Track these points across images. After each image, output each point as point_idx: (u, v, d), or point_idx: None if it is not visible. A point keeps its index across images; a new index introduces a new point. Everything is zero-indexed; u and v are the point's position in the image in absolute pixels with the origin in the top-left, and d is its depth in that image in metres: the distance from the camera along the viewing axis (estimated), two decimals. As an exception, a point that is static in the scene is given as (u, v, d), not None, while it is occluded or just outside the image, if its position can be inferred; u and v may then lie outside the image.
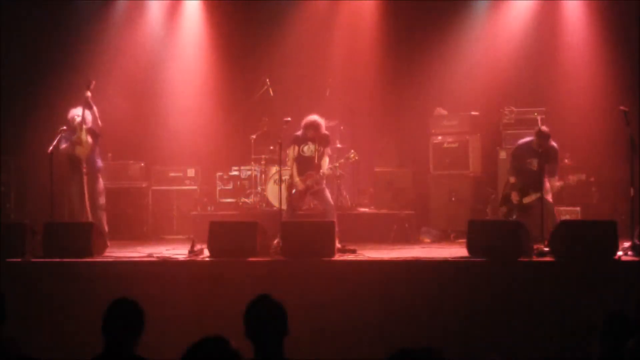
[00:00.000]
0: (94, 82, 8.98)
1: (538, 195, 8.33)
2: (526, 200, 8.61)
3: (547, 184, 8.49)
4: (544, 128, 8.60)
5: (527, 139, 8.87)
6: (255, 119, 10.83)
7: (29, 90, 11.01)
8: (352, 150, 9.23)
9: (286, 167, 8.96)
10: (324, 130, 8.99)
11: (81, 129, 8.88)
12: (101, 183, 9.27)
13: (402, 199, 10.43)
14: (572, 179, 8.92)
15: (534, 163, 8.60)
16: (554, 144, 8.63)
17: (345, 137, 10.64)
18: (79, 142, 8.90)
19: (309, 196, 9.12)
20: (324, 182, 8.99)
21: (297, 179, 8.87)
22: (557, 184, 8.58)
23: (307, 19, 11.33)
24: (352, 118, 11.01)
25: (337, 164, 9.33)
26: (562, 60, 10.66)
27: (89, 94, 8.89)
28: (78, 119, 8.90)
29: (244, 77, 11.31)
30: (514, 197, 8.74)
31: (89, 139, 8.95)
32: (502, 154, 10.07)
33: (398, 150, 11.17)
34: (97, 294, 6.91)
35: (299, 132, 9.05)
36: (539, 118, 9.16)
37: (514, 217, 8.65)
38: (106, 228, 9.17)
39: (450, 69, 10.77)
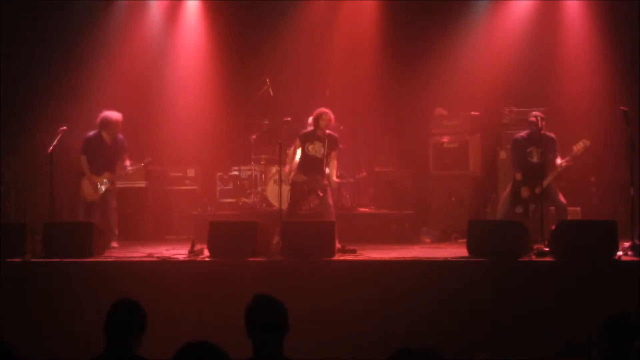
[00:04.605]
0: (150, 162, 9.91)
1: (545, 183, 8.33)
2: (538, 189, 8.45)
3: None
4: (534, 114, 8.72)
5: (522, 132, 8.98)
6: (255, 119, 10.83)
7: (29, 90, 11.00)
8: (364, 172, 9.15)
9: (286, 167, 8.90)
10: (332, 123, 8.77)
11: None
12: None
13: (402, 199, 10.43)
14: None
15: (534, 153, 8.66)
16: (550, 134, 8.69)
17: (345, 137, 10.62)
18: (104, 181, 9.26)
19: (311, 196, 9.09)
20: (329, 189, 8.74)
21: (299, 176, 8.76)
22: (562, 162, 8.46)
23: (307, 19, 11.33)
24: (352, 118, 11.00)
25: (345, 181, 9.32)
26: (562, 60, 10.65)
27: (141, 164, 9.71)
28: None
29: (244, 77, 11.31)
30: (524, 192, 8.61)
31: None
32: (502, 154, 10.05)
33: (398, 150, 11.16)
34: (97, 294, 6.92)
35: (307, 130, 8.95)
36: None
37: (530, 214, 8.51)
38: (116, 231, 9.25)
39: (450, 69, 10.75)
